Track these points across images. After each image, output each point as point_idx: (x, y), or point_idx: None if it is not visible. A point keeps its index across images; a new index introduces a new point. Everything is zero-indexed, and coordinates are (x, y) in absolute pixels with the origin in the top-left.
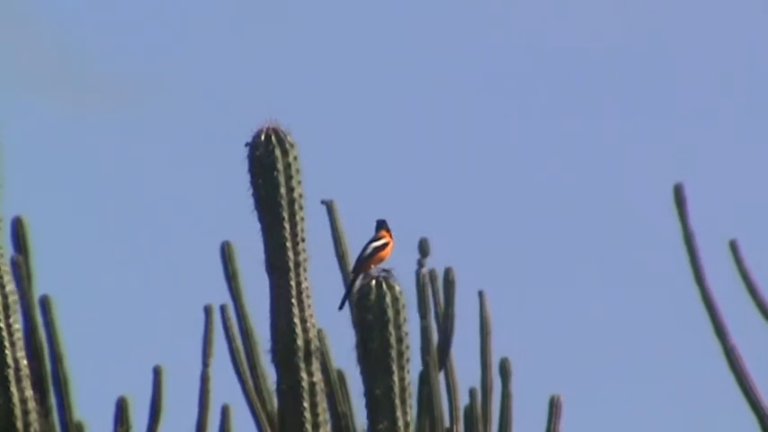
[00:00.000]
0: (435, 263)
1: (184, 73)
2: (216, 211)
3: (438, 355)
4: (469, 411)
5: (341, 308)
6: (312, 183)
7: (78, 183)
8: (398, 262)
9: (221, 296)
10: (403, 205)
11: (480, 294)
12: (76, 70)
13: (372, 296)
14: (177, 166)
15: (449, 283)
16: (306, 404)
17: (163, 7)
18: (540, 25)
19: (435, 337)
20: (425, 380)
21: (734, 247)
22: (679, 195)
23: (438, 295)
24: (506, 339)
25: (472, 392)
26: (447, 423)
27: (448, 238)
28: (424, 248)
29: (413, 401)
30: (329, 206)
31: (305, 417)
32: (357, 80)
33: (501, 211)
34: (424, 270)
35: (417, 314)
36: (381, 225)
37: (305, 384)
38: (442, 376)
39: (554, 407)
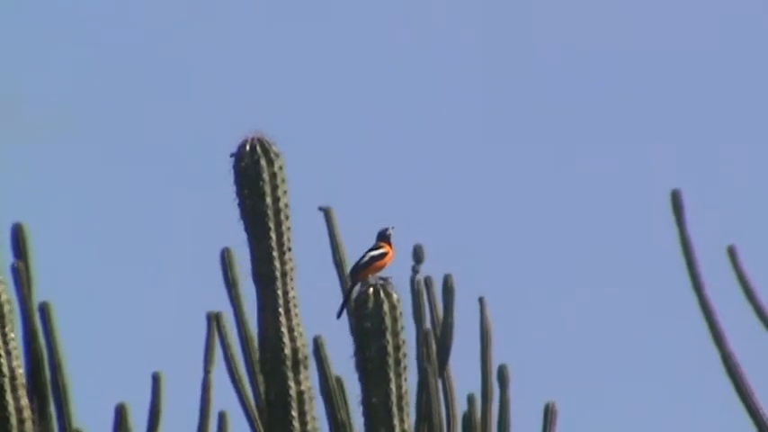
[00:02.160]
0: (434, 269)
1: (170, 82)
2: (205, 221)
3: (437, 362)
4: (468, 418)
5: (339, 316)
6: (308, 189)
7: (77, 191)
8: (397, 270)
9: (218, 304)
10: (401, 212)
11: (481, 301)
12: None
13: (370, 304)
14: (168, 176)
15: (448, 289)
16: (294, 413)
17: (150, 12)
18: (539, 24)
19: (434, 344)
20: (424, 387)
21: (732, 252)
22: (676, 202)
23: (436, 302)
24: (504, 346)
25: (470, 399)
26: (445, 430)
27: (447, 244)
28: (418, 255)
29: (410, 409)
30: (327, 213)
31: (293, 426)
32: (350, 85)
33: (499, 217)
34: (419, 277)
35: (414, 322)
36: (382, 235)
37: (293, 393)
38: (440, 383)
39: (549, 414)
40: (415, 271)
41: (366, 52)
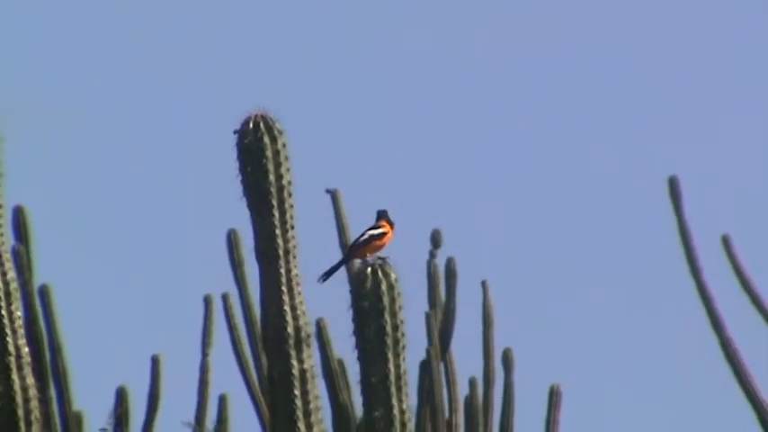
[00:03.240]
0: (438, 252)
1: (174, 59)
2: (207, 200)
3: (439, 345)
4: (470, 401)
5: (323, 280)
6: (313, 172)
7: (77, 172)
8: (404, 251)
9: (220, 285)
10: (405, 195)
11: (483, 284)
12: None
13: (368, 283)
14: (170, 157)
15: (450, 273)
16: (297, 392)
17: None
18: (539, 17)
19: (437, 326)
20: (426, 370)
21: (727, 241)
22: (674, 189)
23: (439, 285)
24: (508, 330)
25: (472, 382)
26: (447, 413)
27: (450, 228)
28: (436, 240)
29: (409, 390)
30: (334, 195)
31: (296, 404)
32: (355, 66)
33: (502, 202)
34: (435, 261)
35: (423, 304)
36: (382, 215)
37: (295, 372)
38: (443, 366)
39: (553, 396)
40: (432, 255)
41: (374, 32)
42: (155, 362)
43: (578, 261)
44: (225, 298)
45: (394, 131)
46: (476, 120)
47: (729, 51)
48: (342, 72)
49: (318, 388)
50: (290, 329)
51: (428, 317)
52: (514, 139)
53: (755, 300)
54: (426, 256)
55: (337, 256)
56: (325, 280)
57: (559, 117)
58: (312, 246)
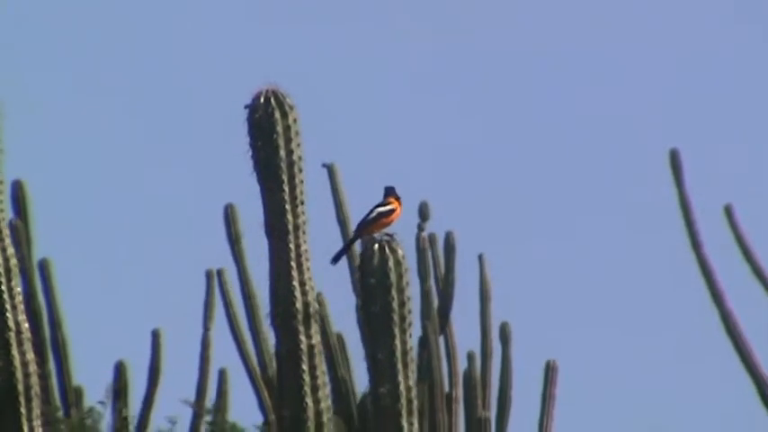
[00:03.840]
0: (435, 227)
1: (183, 37)
2: (215, 174)
3: (438, 319)
4: (468, 375)
5: (334, 262)
6: (313, 146)
7: (78, 147)
8: (399, 226)
9: (222, 260)
10: (402, 168)
11: (480, 258)
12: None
13: (375, 260)
14: (176, 130)
15: (449, 247)
16: (305, 367)
17: None
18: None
19: (435, 301)
20: (425, 344)
21: (729, 212)
22: (675, 161)
23: (438, 260)
24: (507, 304)
25: (470, 356)
26: (447, 387)
27: (448, 201)
28: (424, 212)
29: (415, 366)
30: (330, 169)
31: (303, 380)
32: (358, 43)
33: (500, 174)
34: (424, 234)
35: (418, 278)
36: (390, 191)
37: (303, 347)
38: (441, 341)
39: (549, 371)
40: (420, 229)
41: (380, 11)
42: (155, 336)
43: (577, 236)
44: (221, 274)
45: (392, 105)
46: (476, 94)
47: (733, 27)
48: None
49: (324, 364)
50: (299, 305)
51: (426, 292)
52: (511, 112)
53: (757, 271)
54: (415, 230)
55: (336, 231)
56: (336, 261)
57: (559, 88)
58: (321, 221)
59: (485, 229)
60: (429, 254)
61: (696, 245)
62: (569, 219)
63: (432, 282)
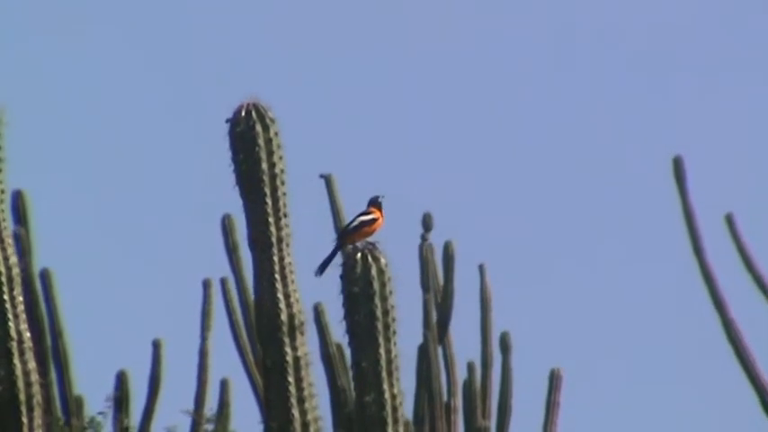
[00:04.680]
0: (435, 236)
1: (168, 46)
2: (213, 184)
3: (437, 329)
4: (468, 385)
5: (319, 273)
6: (306, 158)
7: (78, 158)
8: (399, 235)
9: (217, 270)
10: (402, 179)
11: (480, 268)
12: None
13: (358, 269)
14: (178, 141)
15: (448, 257)
16: (291, 378)
17: None
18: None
19: (435, 311)
20: (424, 353)
21: (731, 221)
22: (678, 169)
23: (437, 269)
24: (507, 313)
25: (470, 366)
26: (445, 397)
27: (447, 211)
28: (427, 223)
29: (400, 374)
30: (328, 180)
31: (290, 391)
32: (351, 51)
33: (500, 184)
34: (427, 244)
35: (419, 288)
36: (373, 201)
37: (289, 359)
38: (440, 350)
39: (554, 379)
40: (423, 239)
41: (364, 18)
42: (156, 346)
43: (579, 244)
44: (223, 283)
45: (392, 113)
46: (466, 101)
47: (737, 32)
48: (332, 61)
49: (312, 375)
50: (284, 317)
51: (425, 301)
52: (510, 119)
53: (758, 280)
54: (418, 240)
55: (332, 241)
56: (322, 272)
57: (561, 98)
58: (306, 233)
59: (485, 239)
60: (430, 264)
61: (698, 251)
62: (570, 227)
63: (432, 292)
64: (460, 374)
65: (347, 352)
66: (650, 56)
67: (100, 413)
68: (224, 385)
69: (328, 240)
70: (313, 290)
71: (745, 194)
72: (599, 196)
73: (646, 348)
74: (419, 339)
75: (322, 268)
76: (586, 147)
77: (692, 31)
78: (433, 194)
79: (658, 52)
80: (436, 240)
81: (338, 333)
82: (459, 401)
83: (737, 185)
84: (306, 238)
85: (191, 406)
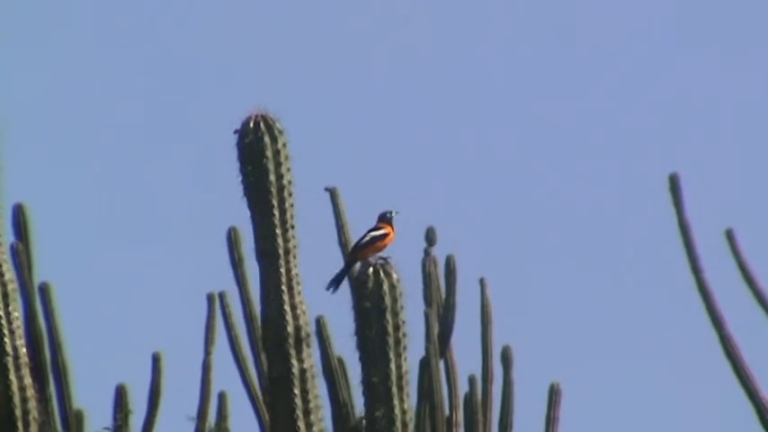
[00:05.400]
0: (436, 250)
1: (173, 58)
2: (208, 199)
3: (439, 342)
4: (469, 399)
5: (333, 290)
6: (313, 170)
7: (78, 170)
8: (401, 249)
9: (221, 283)
10: (404, 192)
11: (481, 282)
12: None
13: (370, 284)
14: (181, 154)
15: (450, 271)
16: (296, 391)
17: None
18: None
19: (436, 324)
20: (426, 367)
21: (730, 236)
22: (674, 185)
23: (438, 283)
24: (508, 327)
25: (472, 380)
26: (447, 411)
27: (449, 225)
28: (430, 237)
29: (410, 389)
30: (333, 193)
31: (295, 404)
32: (355, 64)
33: (501, 199)
34: (430, 258)
35: (421, 302)
36: (382, 217)
37: (295, 371)
38: (442, 364)
39: (554, 394)
40: (426, 253)
41: (374, 33)
42: (155, 360)
43: (578, 258)
44: (221, 297)
45: (391, 128)
46: (470, 116)
47: (733, 43)
48: (340, 70)
49: (318, 387)
50: (290, 329)
51: (427, 315)
52: (510, 132)
53: (759, 296)
54: (421, 254)
55: (337, 254)
56: (334, 288)
57: (560, 113)
58: (313, 245)
59: (486, 252)
60: (432, 277)
61: (696, 269)
62: (569, 242)
63: (434, 305)
64: (462, 388)
65: (351, 366)
66: (647, 71)
67: (105, 429)
68: (222, 398)
69: (333, 252)
70: (317, 303)
71: (743, 209)
72: (604, 213)
73: (646, 364)
74: (421, 353)
75: (335, 284)
76: (590, 165)
77: (692, 32)
78: (436, 208)
79: (655, 66)
80: (438, 253)
81: (340, 346)
82: (460, 415)
83: (735, 200)
84: (310, 251)
85: (194, 415)
